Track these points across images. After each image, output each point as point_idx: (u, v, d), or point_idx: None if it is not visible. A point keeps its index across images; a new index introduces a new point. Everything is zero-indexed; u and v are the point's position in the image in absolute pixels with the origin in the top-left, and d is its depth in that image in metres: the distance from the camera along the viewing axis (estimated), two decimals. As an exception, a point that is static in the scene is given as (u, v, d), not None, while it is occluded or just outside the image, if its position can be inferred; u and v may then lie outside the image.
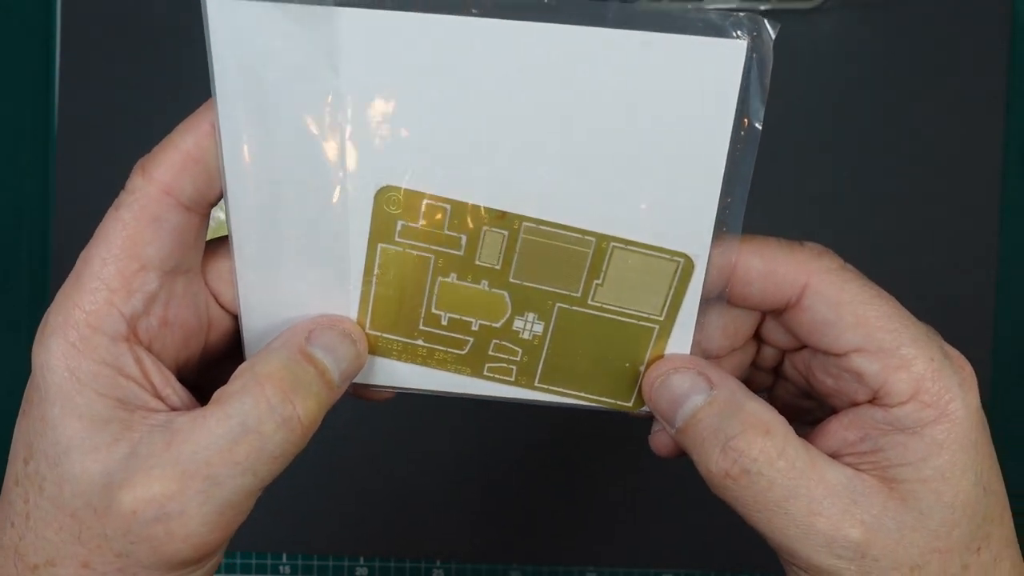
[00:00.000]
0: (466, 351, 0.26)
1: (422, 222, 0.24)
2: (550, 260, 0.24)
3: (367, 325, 0.25)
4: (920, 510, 0.21)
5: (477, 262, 0.24)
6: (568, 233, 0.24)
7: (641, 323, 0.25)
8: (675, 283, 0.25)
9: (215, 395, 0.22)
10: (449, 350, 0.26)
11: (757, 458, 0.22)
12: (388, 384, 0.27)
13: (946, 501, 0.22)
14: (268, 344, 0.23)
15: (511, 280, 0.25)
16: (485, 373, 0.27)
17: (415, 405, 0.52)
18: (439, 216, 0.24)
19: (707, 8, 0.22)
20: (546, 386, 0.27)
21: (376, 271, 0.25)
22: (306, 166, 0.23)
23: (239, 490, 0.21)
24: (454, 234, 0.24)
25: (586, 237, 0.24)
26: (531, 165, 0.23)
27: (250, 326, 0.25)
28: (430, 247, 0.24)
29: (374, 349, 0.26)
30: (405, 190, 0.24)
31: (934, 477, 0.22)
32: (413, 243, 0.24)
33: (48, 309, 0.23)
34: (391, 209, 0.24)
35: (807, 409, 0.26)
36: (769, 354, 0.26)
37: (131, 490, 0.21)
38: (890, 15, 0.51)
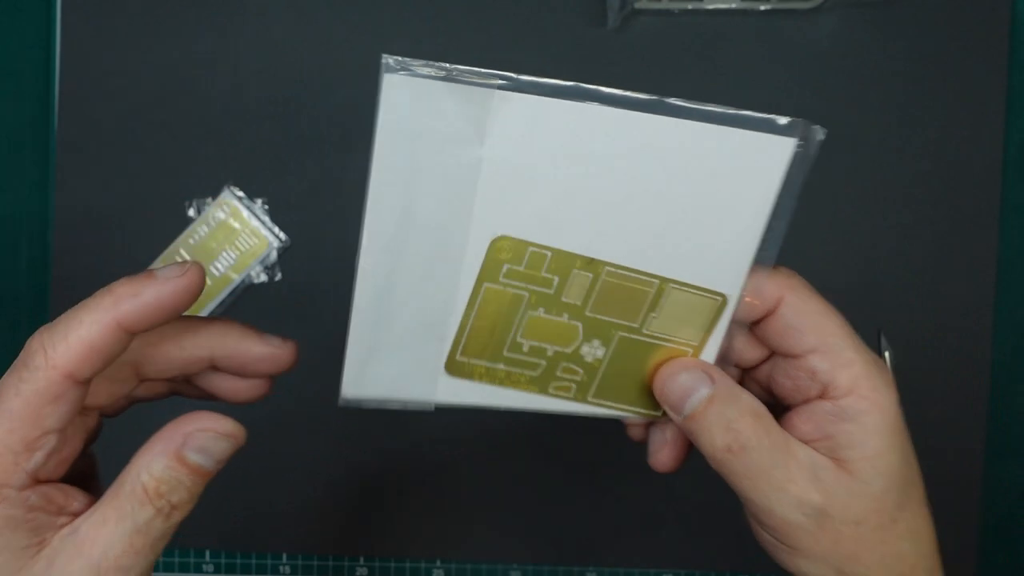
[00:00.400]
0: (538, 373, 0.31)
1: (525, 266, 0.29)
2: (621, 297, 0.30)
3: (460, 351, 0.30)
4: (863, 480, 0.29)
5: (563, 299, 0.30)
6: (638, 276, 0.29)
7: (680, 347, 0.31)
8: (712, 315, 0.31)
9: (111, 493, 0.27)
10: (524, 372, 0.31)
11: (751, 436, 0.29)
12: (465, 403, 0.31)
13: (882, 473, 0.29)
14: (150, 446, 0.28)
15: (587, 313, 0.30)
16: (550, 391, 0.31)
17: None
18: (540, 261, 0.29)
19: (773, 118, 0.28)
20: (597, 400, 0.32)
21: (477, 305, 0.29)
22: (441, 214, 0.28)
23: (144, 569, 0.27)
24: (549, 275, 0.29)
25: (651, 279, 0.30)
26: (616, 222, 0.28)
27: (360, 332, 0.30)
28: (527, 286, 0.29)
29: (459, 371, 0.30)
30: (515, 239, 0.29)
31: (872, 455, 0.29)
32: (514, 283, 0.29)
33: None
34: (501, 255, 0.29)
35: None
36: (735, 373, 0.33)
37: None
38: (890, 15, 0.51)
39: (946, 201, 0.52)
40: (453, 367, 0.31)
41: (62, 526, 0.26)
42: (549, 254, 0.29)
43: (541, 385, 0.31)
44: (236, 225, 0.51)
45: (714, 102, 0.52)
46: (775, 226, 0.31)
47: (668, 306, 0.30)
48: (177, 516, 0.28)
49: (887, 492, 0.29)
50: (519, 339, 0.30)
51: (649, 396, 0.31)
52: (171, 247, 0.51)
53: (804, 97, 0.51)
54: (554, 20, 0.51)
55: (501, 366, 0.31)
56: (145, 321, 0.26)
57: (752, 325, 0.31)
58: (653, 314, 0.30)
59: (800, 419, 0.30)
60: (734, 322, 0.31)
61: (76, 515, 0.27)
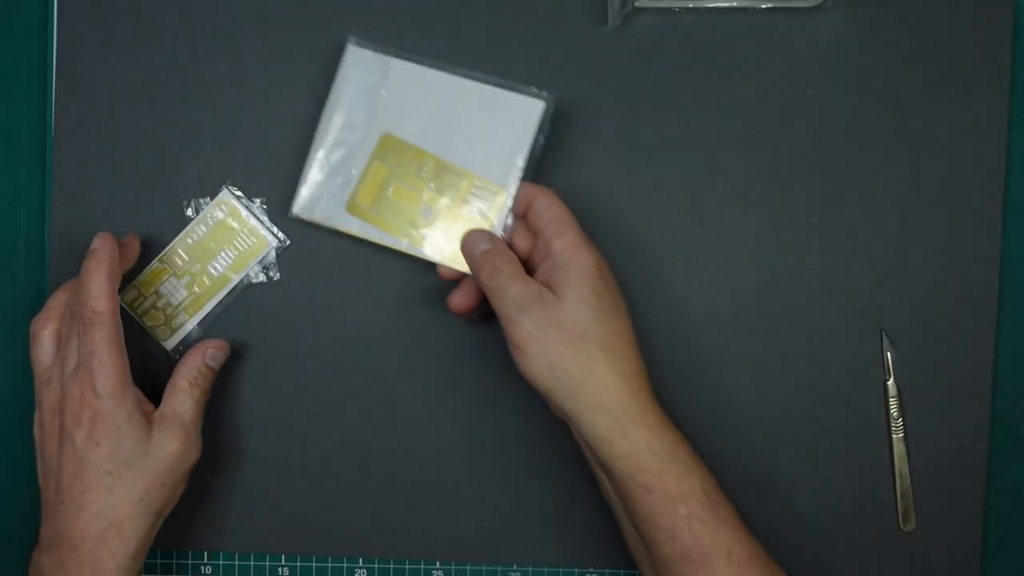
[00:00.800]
0: (399, 222, 0.49)
1: (397, 153, 0.50)
2: (449, 182, 0.49)
3: (355, 199, 0.50)
4: (564, 300, 0.43)
5: (416, 177, 0.49)
6: (459, 170, 0.49)
7: (480, 222, 0.49)
8: (497, 202, 0.49)
9: (169, 392, 0.49)
10: (390, 219, 0.49)
11: (505, 271, 0.44)
12: (353, 233, 0.50)
13: (576, 297, 0.43)
14: (185, 361, 0.49)
15: (429, 186, 0.49)
16: (403, 235, 0.49)
17: (416, 406, 0.52)
18: (406, 151, 0.50)
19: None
20: (427, 250, 0.49)
21: (368, 173, 0.50)
22: (361, 120, 0.50)
23: (200, 425, 0.49)
24: (409, 161, 0.49)
25: (465, 173, 0.49)
26: (449, 135, 0.49)
27: (309, 178, 0.50)
28: (397, 165, 0.50)
29: (354, 212, 0.50)
30: (395, 137, 0.50)
31: (569, 285, 0.43)
32: (389, 162, 0.49)
33: (96, 384, 0.45)
34: (385, 145, 0.50)
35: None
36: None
37: (167, 449, 0.47)
38: (890, 14, 0.51)
39: (949, 201, 0.51)
40: (351, 208, 0.50)
41: (152, 411, 0.47)
42: (411, 149, 0.49)
43: (401, 231, 0.49)
44: (235, 225, 0.51)
45: (714, 101, 0.52)
46: (532, 152, 0.49)
47: (475, 191, 0.49)
48: (206, 396, 0.49)
49: (580, 312, 0.43)
50: (388, 195, 0.49)
51: (458, 254, 0.48)
52: (169, 247, 0.51)
53: (804, 96, 0.51)
54: (555, 18, 0.51)
55: (376, 212, 0.50)
56: (124, 268, 0.48)
57: (522, 216, 0.47)
58: (467, 195, 0.49)
59: (540, 270, 0.45)
60: (510, 210, 0.48)
61: (150, 411, 0.47)
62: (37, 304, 0.49)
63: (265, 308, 0.52)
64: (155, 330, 0.52)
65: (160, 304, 0.51)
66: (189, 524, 0.53)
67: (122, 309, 0.48)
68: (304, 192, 0.50)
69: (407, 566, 0.53)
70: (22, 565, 0.48)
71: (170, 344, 0.52)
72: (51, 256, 0.53)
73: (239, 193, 0.52)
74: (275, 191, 0.52)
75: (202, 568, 0.54)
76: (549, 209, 0.45)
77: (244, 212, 0.51)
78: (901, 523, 0.52)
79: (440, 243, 0.49)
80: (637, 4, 0.50)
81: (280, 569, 0.53)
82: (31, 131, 0.53)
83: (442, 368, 0.53)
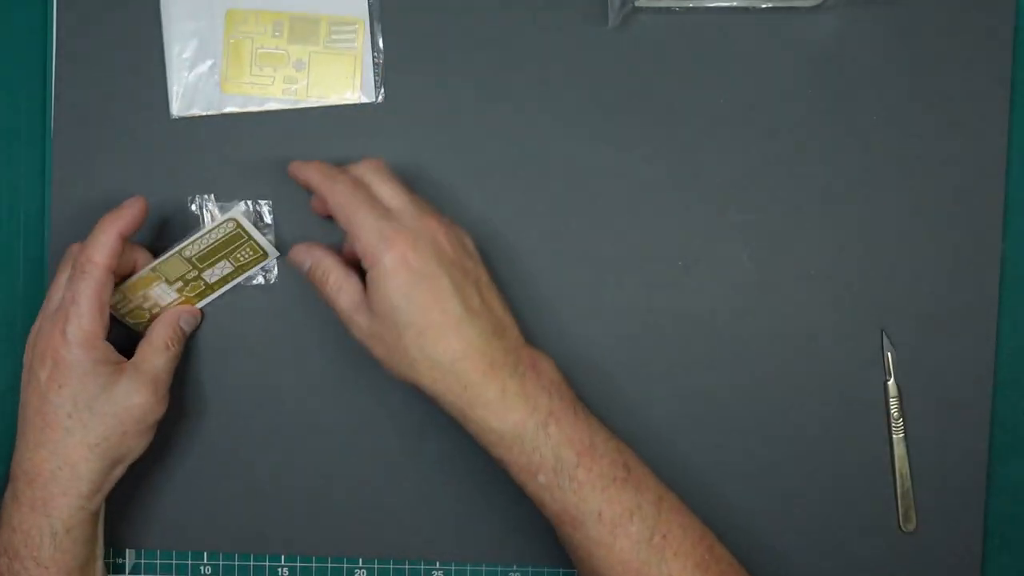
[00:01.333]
0: (279, 83, 0.51)
1: (249, 22, 0.51)
2: (307, 29, 0.51)
3: (233, 77, 0.51)
4: (374, 311, 0.44)
5: (275, 37, 0.51)
6: (310, 15, 0.51)
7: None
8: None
9: (142, 349, 0.49)
10: (272, 85, 0.51)
11: (325, 284, 0.46)
12: (241, 110, 0.51)
13: (383, 304, 0.44)
14: (160, 323, 0.50)
15: (290, 40, 0.51)
16: (292, 91, 0.51)
17: (415, 407, 0.52)
18: (257, 17, 0.51)
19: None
20: (311, 97, 0.52)
21: (229, 53, 0.51)
22: (199, 8, 0.51)
23: (169, 383, 0.50)
24: (265, 24, 0.51)
25: (317, 16, 0.51)
26: None
27: (175, 92, 0.51)
28: (254, 31, 0.51)
29: (236, 90, 0.51)
30: (241, 9, 0.51)
31: (376, 291, 0.44)
32: (246, 31, 0.51)
33: (67, 330, 0.45)
34: (235, 19, 0.51)
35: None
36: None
37: (134, 400, 0.47)
38: (891, 14, 0.51)
39: (949, 201, 0.51)
40: (226, 88, 0.51)
41: (122, 362, 0.48)
42: (260, 13, 0.50)
43: (281, 91, 0.51)
44: (241, 239, 0.50)
45: (714, 101, 0.52)
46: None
47: (334, 29, 0.51)
48: (178, 358, 0.50)
49: (386, 317, 0.44)
50: (255, 64, 0.51)
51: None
52: (166, 257, 0.49)
53: (804, 96, 0.51)
54: (555, 18, 0.51)
55: (250, 83, 0.51)
56: (132, 231, 0.47)
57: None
58: (328, 36, 0.51)
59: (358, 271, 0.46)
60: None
61: (119, 361, 0.47)
62: (37, 304, 0.49)
63: (262, 310, 0.52)
64: (139, 326, 0.51)
65: (147, 305, 0.51)
66: (188, 524, 0.53)
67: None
68: (176, 92, 0.51)
69: (407, 566, 0.53)
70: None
71: None
72: (51, 256, 0.53)
73: (247, 207, 0.51)
74: (278, 190, 0.52)
75: (202, 568, 0.53)
76: (334, 205, 0.45)
77: (253, 230, 0.50)
78: (901, 523, 0.52)
79: (320, 87, 0.51)
80: (637, 4, 0.50)
81: (280, 569, 0.53)
82: (31, 131, 0.53)
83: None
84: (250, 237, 0.50)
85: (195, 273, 0.50)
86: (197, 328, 0.52)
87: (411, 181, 0.52)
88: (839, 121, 0.51)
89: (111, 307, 0.49)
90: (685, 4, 0.51)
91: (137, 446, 0.48)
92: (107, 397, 0.46)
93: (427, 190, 0.52)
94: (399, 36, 0.52)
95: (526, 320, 0.52)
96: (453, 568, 0.53)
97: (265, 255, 0.51)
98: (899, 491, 0.52)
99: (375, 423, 0.53)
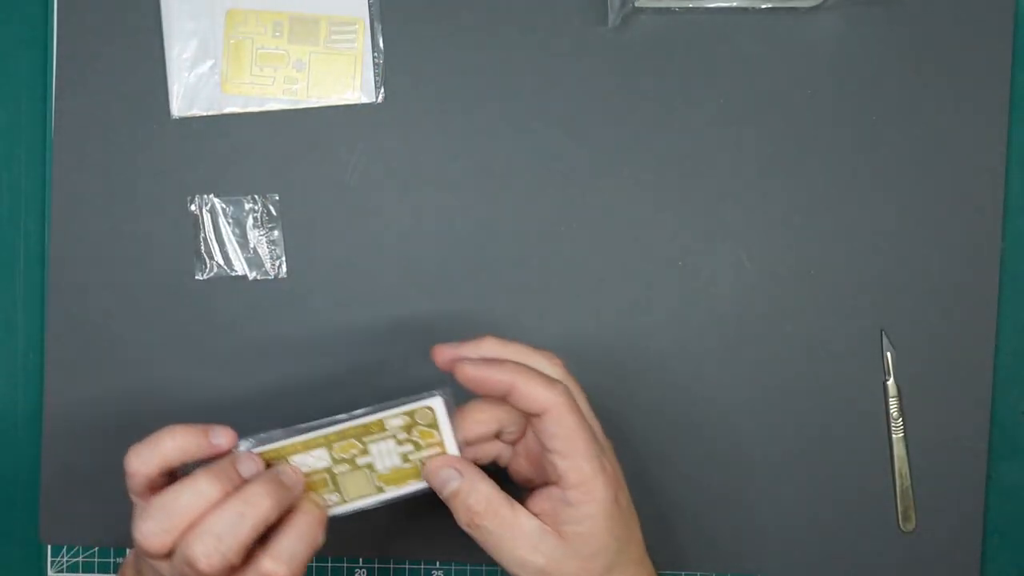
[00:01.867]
0: (279, 83, 0.51)
1: (249, 22, 0.50)
2: (307, 29, 0.50)
3: (233, 77, 0.51)
4: (576, 549, 0.38)
5: (275, 38, 0.51)
6: (310, 15, 0.50)
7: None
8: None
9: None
10: (272, 85, 0.51)
11: (484, 517, 0.39)
12: (241, 110, 0.51)
13: (591, 545, 0.38)
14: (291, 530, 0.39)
15: (290, 41, 0.51)
16: (292, 91, 0.51)
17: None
18: (257, 17, 0.51)
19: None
20: (311, 96, 0.51)
21: (229, 53, 0.50)
22: (199, 9, 0.50)
23: None
24: (265, 25, 0.50)
25: (317, 16, 0.50)
26: None
27: (176, 92, 0.51)
28: (254, 32, 0.50)
29: (237, 90, 0.51)
30: (241, 9, 0.50)
31: (583, 532, 0.38)
32: (247, 32, 0.50)
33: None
34: (236, 19, 0.50)
35: (530, 480, 0.42)
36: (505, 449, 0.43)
37: None
38: (890, 14, 0.51)
39: (949, 201, 0.51)
40: (226, 88, 0.50)
41: None
42: (260, 14, 0.50)
43: (281, 91, 0.51)
44: (428, 432, 0.40)
45: (713, 101, 0.52)
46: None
47: (334, 29, 0.50)
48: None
49: (595, 558, 0.38)
50: (255, 64, 0.50)
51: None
52: (339, 428, 0.40)
53: (804, 96, 0.51)
54: (555, 18, 0.51)
55: (251, 83, 0.51)
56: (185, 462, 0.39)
57: (530, 417, 0.40)
58: (328, 36, 0.50)
59: (540, 497, 0.39)
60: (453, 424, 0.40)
61: None
62: (37, 304, 0.49)
63: (269, 305, 0.52)
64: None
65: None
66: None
67: None
68: (176, 92, 0.51)
69: (407, 566, 0.53)
70: (23, 564, 0.48)
71: None
72: (51, 256, 0.53)
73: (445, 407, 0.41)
74: (278, 190, 0.52)
75: (202, 568, 0.53)
76: (561, 426, 0.38)
77: (447, 427, 0.40)
78: (901, 523, 0.52)
79: (320, 87, 0.50)
80: (637, 4, 0.50)
81: (280, 569, 0.53)
82: (31, 131, 0.53)
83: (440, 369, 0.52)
84: (442, 433, 0.40)
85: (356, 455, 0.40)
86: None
87: (411, 181, 0.52)
88: (839, 121, 0.51)
89: None
90: (685, 4, 0.51)
91: None
92: None
93: (427, 190, 0.52)
94: (399, 36, 0.52)
95: (526, 320, 0.52)
96: (453, 568, 0.53)
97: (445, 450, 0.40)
98: (898, 491, 0.52)
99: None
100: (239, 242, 0.52)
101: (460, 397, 0.39)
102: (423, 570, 0.53)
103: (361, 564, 0.53)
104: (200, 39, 0.51)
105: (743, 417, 0.52)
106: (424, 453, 0.40)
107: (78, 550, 0.54)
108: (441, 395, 0.38)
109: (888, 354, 0.51)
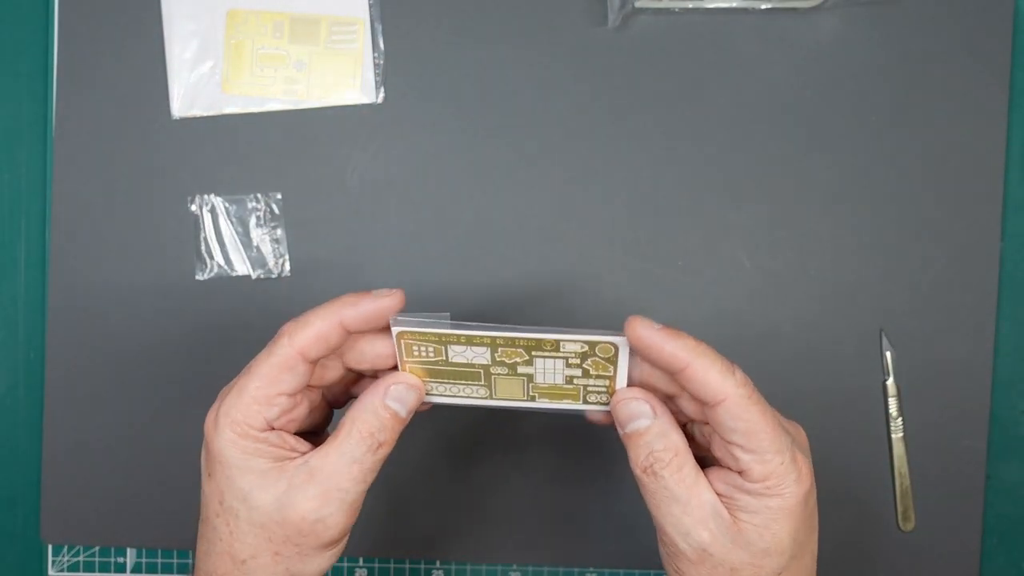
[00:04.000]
0: (279, 83, 0.51)
1: (249, 22, 0.50)
2: (307, 30, 0.50)
3: (233, 78, 0.50)
4: (748, 540, 0.34)
5: (276, 38, 0.51)
6: (310, 15, 0.49)
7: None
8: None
9: (332, 437, 0.36)
10: (272, 85, 0.50)
11: (666, 467, 0.35)
12: (241, 111, 0.51)
13: (766, 541, 0.34)
14: (361, 399, 0.37)
15: (291, 41, 0.50)
16: (293, 91, 0.51)
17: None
18: (257, 18, 0.50)
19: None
20: (312, 95, 0.50)
21: (230, 53, 0.51)
22: (199, 9, 0.50)
23: (357, 494, 0.36)
24: (266, 25, 0.50)
25: (318, 16, 0.49)
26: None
27: (176, 93, 0.51)
28: (255, 32, 0.50)
29: (237, 91, 0.50)
30: (242, 9, 0.50)
31: (761, 525, 0.34)
32: (247, 32, 0.50)
33: (218, 409, 0.36)
34: (236, 19, 0.50)
35: (701, 456, 0.37)
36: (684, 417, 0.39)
37: (295, 508, 0.35)
38: (890, 14, 0.51)
39: (948, 201, 0.51)
40: (227, 89, 0.50)
41: (294, 458, 0.36)
42: (260, 14, 0.50)
43: (282, 91, 0.51)
44: (601, 367, 0.37)
45: (713, 101, 0.52)
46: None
47: (335, 29, 0.49)
48: (382, 452, 0.37)
49: (767, 556, 0.35)
50: (256, 64, 0.50)
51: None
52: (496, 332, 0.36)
53: (804, 97, 0.51)
54: (554, 18, 0.51)
55: (251, 84, 0.50)
56: (359, 324, 0.36)
57: (705, 406, 0.35)
58: (328, 37, 0.50)
59: (719, 475, 0.36)
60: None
61: (304, 454, 0.36)
62: (37, 304, 0.49)
63: (272, 303, 0.52)
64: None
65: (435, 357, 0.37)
66: (189, 523, 0.53)
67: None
68: (177, 92, 0.51)
69: (407, 566, 0.53)
70: (23, 564, 0.48)
71: None
72: (51, 256, 0.53)
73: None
74: (281, 189, 0.52)
75: (202, 568, 0.54)
76: (740, 419, 0.34)
77: (625, 367, 0.37)
78: (901, 523, 0.52)
79: (320, 87, 0.50)
80: (637, 4, 0.50)
81: (280, 569, 0.53)
82: (31, 131, 0.53)
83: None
84: (615, 371, 0.37)
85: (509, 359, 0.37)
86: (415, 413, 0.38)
87: (412, 181, 0.52)
88: (839, 121, 0.51)
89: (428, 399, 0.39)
90: (685, 4, 0.51)
91: (305, 572, 0.37)
92: (260, 501, 0.35)
93: (427, 190, 0.52)
94: (399, 36, 0.52)
95: (526, 320, 0.52)
96: (453, 568, 0.53)
97: (607, 400, 0.38)
98: (898, 490, 0.52)
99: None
100: (242, 241, 0.52)
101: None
102: (423, 570, 0.53)
103: (361, 564, 0.53)
104: (200, 39, 0.51)
105: (743, 417, 0.52)
106: (592, 382, 0.37)
107: (78, 550, 0.54)
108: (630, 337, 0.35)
109: (888, 354, 0.51)
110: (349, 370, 0.39)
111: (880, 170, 0.52)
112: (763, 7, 0.51)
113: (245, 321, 0.52)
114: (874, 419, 0.52)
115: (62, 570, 0.54)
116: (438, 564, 0.53)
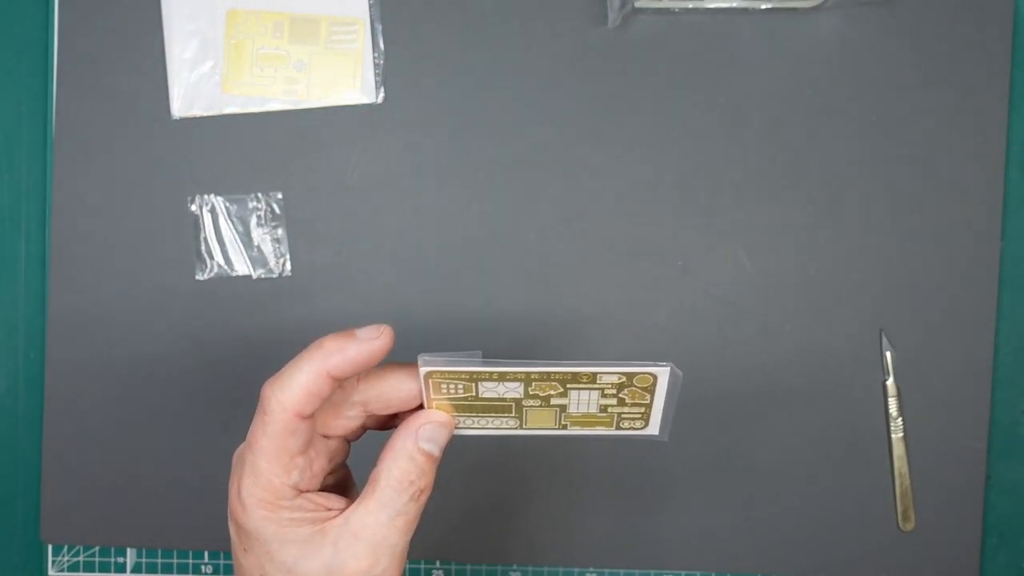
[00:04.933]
0: (279, 83, 0.51)
1: (249, 22, 0.50)
2: (307, 30, 0.50)
3: (233, 77, 0.51)
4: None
5: (276, 38, 0.51)
6: (310, 15, 0.50)
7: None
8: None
9: (370, 488, 0.35)
10: (272, 85, 0.51)
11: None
12: (242, 111, 0.51)
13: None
14: (392, 444, 0.35)
15: (290, 41, 0.51)
16: (293, 91, 0.51)
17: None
18: (257, 18, 0.50)
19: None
20: (312, 95, 0.50)
21: (230, 53, 0.51)
22: (199, 9, 0.50)
23: (405, 544, 0.35)
24: (266, 25, 0.51)
25: (318, 17, 0.49)
26: None
27: (176, 93, 0.51)
28: (255, 32, 0.51)
29: (237, 91, 0.51)
30: (242, 10, 0.50)
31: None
32: (247, 32, 0.51)
33: (239, 487, 0.35)
34: (236, 19, 0.50)
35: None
36: None
37: (345, 570, 0.34)
38: (890, 14, 0.51)
39: (948, 200, 0.51)
40: (227, 89, 0.50)
41: (333, 518, 0.34)
42: (260, 14, 0.50)
43: (282, 91, 0.51)
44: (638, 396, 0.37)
45: (713, 101, 0.52)
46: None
47: (335, 29, 0.49)
48: (424, 498, 0.35)
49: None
50: (256, 64, 0.50)
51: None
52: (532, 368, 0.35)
53: (804, 96, 0.51)
54: (554, 18, 0.51)
55: (250, 83, 0.50)
56: (348, 371, 0.34)
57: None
58: (328, 37, 0.50)
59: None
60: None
61: (340, 511, 0.35)
62: (37, 304, 0.49)
63: (273, 303, 0.52)
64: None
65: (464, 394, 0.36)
66: (189, 523, 0.53)
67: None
68: (177, 93, 0.51)
69: (407, 566, 0.53)
70: (23, 564, 0.48)
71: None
72: (51, 256, 0.53)
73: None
74: (282, 189, 0.52)
75: (202, 568, 0.54)
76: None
77: (662, 399, 0.37)
78: (901, 523, 0.52)
79: (320, 87, 0.50)
80: (637, 4, 0.50)
81: (280, 569, 0.53)
82: (31, 131, 0.53)
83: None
84: (651, 399, 0.37)
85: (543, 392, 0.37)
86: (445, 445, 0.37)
87: (412, 181, 0.52)
88: (839, 121, 0.51)
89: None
90: (685, 4, 0.51)
91: None
92: (308, 570, 0.34)
93: (427, 190, 0.52)
94: (399, 36, 0.52)
95: (525, 320, 0.52)
96: (453, 568, 0.53)
97: (641, 425, 0.38)
98: (898, 490, 0.52)
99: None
100: (243, 240, 0.52)
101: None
102: (423, 570, 0.53)
103: (361, 564, 0.53)
104: (200, 39, 0.51)
105: (742, 416, 0.52)
106: (627, 410, 0.37)
107: (78, 550, 0.54)
108: (671, 368, 0.35)
109: (888, 354, 0.51)
110: (370, 416, 0.37)
111: (880, 170, 0.52)
112: (763, 7, 0.51)
113: (245, 321, 0.52)
114: (873, 418, 0.52)
115: (62, 570, 0.54)
116: (438, 564, 0.53)
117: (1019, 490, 0.53)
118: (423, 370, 0.35)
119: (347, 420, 0.36)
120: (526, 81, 0.52)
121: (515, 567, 0.53)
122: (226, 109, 0.51)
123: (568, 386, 0.36)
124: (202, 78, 0.51)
